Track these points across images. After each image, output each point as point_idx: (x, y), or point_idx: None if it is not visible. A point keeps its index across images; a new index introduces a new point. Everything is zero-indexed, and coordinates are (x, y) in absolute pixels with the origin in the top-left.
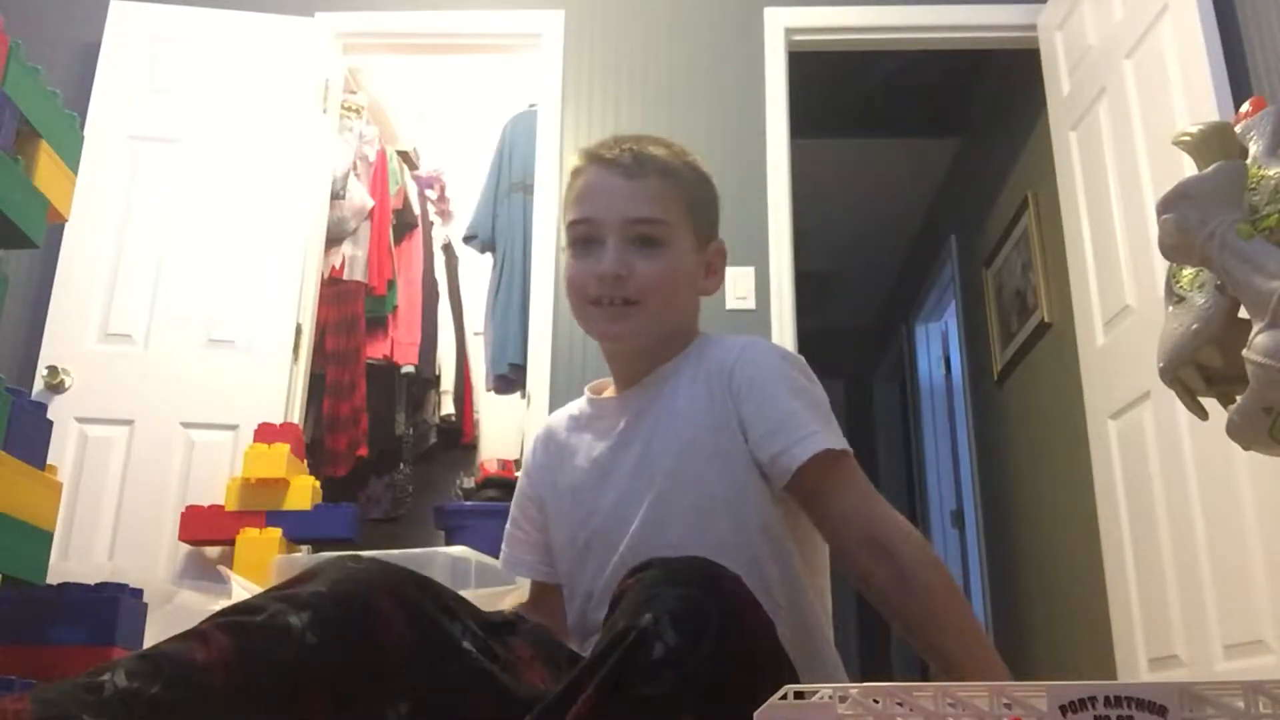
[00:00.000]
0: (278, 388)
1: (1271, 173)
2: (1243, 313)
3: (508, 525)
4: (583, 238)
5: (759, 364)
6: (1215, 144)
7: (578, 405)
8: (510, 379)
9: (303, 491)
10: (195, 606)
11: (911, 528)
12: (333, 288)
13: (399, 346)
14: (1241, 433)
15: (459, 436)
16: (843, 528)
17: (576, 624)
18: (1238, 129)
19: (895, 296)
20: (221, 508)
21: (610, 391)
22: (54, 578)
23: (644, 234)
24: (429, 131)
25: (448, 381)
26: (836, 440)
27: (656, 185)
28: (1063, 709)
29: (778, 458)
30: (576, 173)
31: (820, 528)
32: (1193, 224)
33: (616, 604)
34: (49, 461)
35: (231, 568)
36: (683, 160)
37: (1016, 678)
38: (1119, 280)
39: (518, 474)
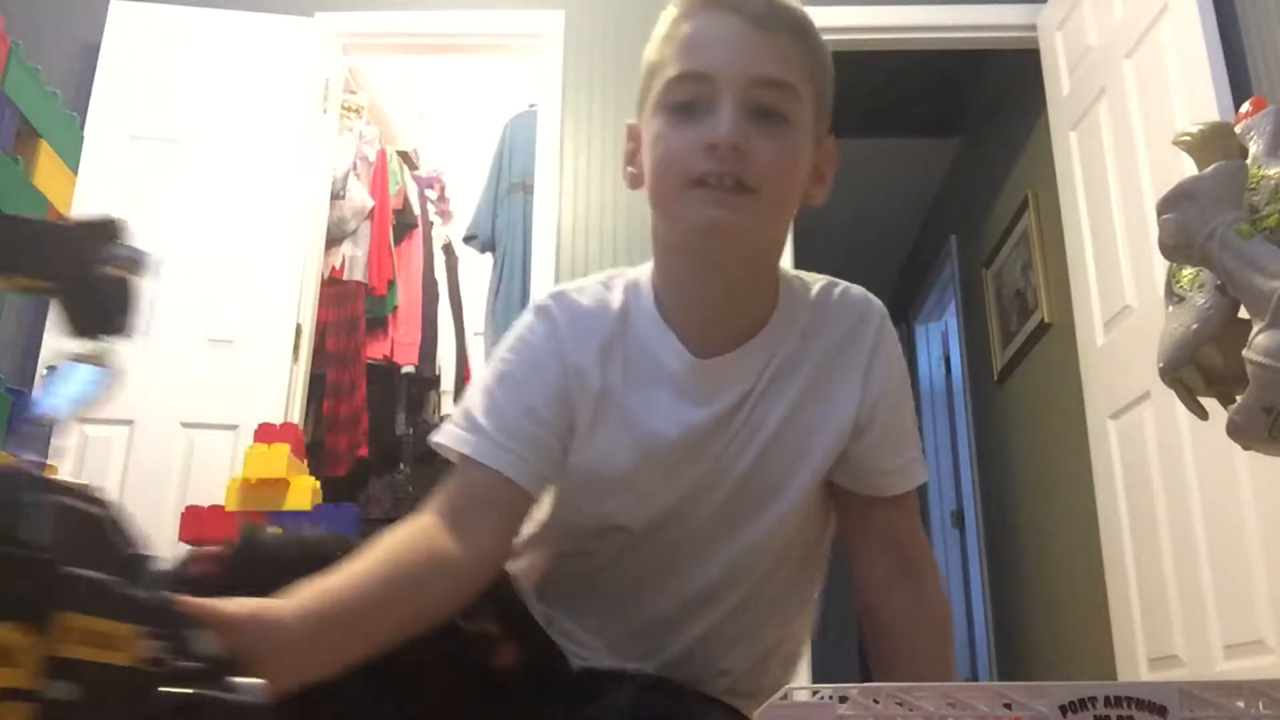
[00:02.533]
0: (278, 388)
1: (1271, 173)
2: (1243, 313)
3: (501, 398)
4: (687, 100)
5: (898, 364)
6: (1215, 144)
7: (657, 328)
8: None
9: (303, 492)
10: None
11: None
12: (333, 288)
13: (399, 347)
14: (1241, 433)
15: None
16: (882, 539)
17: (640, 583)
18: (1238, 129)
19: (895, 296)
20: (221, 508)
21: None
22: None
23: (769, 103)
24: (429, 131)
25: (448, 382)
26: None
27: (789, 44)
28: (1063, 709)
29: (892, 475)
30: (681, 18)
31: (851, 529)
32: (1193, 224)
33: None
34: (49, 461)
35: None
36: (814, 27)
37: (1016, 678)
38: (1119, 280)
39: None
